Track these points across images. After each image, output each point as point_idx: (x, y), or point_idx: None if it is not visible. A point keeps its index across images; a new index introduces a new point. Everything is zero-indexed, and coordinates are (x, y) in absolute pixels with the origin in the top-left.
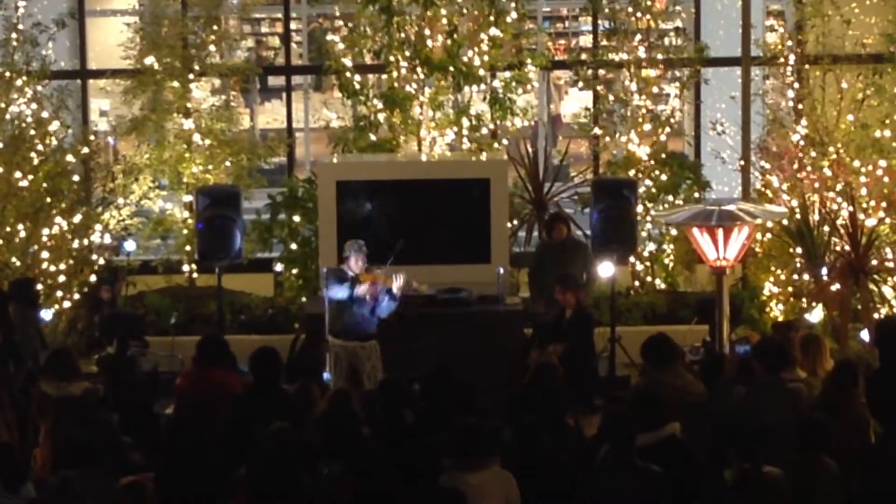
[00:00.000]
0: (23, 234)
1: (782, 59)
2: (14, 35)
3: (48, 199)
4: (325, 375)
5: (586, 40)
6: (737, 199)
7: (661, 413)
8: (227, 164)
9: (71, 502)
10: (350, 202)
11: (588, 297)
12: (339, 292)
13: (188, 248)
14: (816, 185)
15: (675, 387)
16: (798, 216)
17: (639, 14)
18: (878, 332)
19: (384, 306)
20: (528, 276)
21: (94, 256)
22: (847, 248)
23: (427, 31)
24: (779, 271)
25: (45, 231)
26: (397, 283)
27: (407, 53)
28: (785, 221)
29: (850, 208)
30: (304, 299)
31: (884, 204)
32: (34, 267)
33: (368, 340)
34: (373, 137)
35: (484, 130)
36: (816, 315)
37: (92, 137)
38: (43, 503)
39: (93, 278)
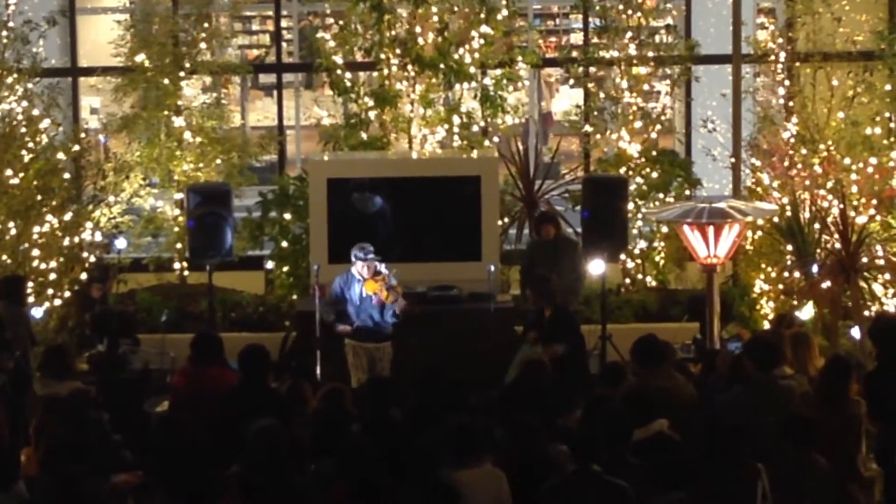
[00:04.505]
0: (13, 231)
1: (773, 57)
2: (5, 32)
3: (39, 197)
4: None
5: (577, 38)
6: (727, 197)
7: (649, 410)
8: (218, 161)
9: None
10: (341, 200)
11: (579, 296)
12: (326, 313)
13: (179, 245)
14: (807, 182)
15: (664, 389)
16: (789, 213)
17: (629, 11)
18: (874, 328)
19: (388, 317)
20: (519, 273)
21: (85, 254)
22: (838, 245)
23: (418, 29)
24: (769, 269)
25: (36, 229)
26: (399, 305)
27: (398, 51)
28: (776, 219)
29: (841, 205)
30: (294, 297)
31: (874, 201)
32: (25, 265)
33: (383, 342)
34: (364, 135)
35: (475, 128)
36: (807, 312)
37: (83, 135)
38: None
39: (83, 276)
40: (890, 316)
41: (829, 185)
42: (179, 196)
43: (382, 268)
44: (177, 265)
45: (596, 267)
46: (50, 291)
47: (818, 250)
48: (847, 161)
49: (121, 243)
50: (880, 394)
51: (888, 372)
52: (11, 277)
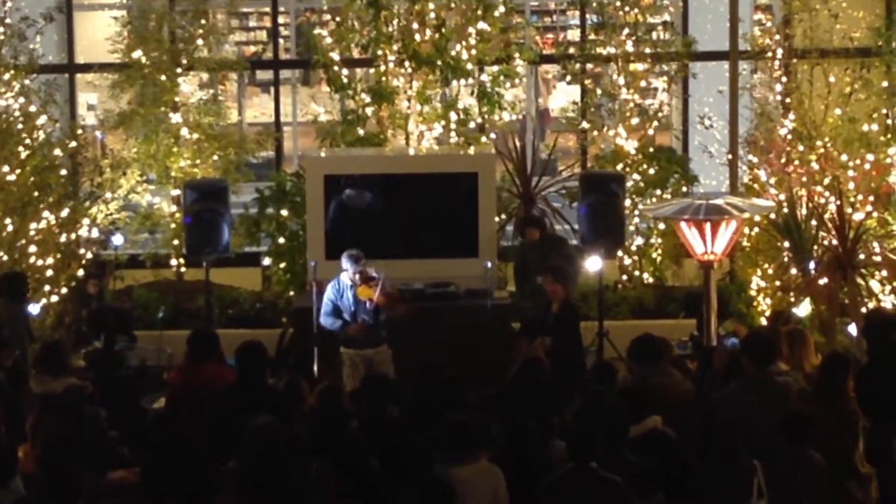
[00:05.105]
0: (10, 228)
1: (770, 54)
2: (1, 29)
3: (36, 193)
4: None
5: (574, 34)
6: (724, 193)
7: (642, 407)
8: (215, 158)
9: None
10: (338, 196)
11: (575, 287)
12: (331, 323)
13: (176, 242)
14: (804, 179)
15: (662, 386)
16: (786, 210)
17: (626, 8)
18: (866, 324)
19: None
20: (514, 275)
21: (82, 250)
22: (835, 242)
23: (415, 25)
24: (766, 265)
25: (33, 225)
26: (398, 311)
27: (394, 47)
28: (772, 215)
29: (838, 202)
30: (291, 293)
31: (871, 198)
32: (22, 261)
33: (380, 346)
34: (360, 131)
35: (472, 124)
36: (804, 309)
37: (80, 131)
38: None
39: (80, 272)
40: (882, 312)
41: (826, 181)
42: (176, 192)
43: (373, 272)
44: (174, 262)
45: (593, 263)
46: (47, 288)
47: (815, 247)
48: (844, 158)
49: (118, 240)
50: (871, 390)
51: (879, 368)
52: (12, 274)
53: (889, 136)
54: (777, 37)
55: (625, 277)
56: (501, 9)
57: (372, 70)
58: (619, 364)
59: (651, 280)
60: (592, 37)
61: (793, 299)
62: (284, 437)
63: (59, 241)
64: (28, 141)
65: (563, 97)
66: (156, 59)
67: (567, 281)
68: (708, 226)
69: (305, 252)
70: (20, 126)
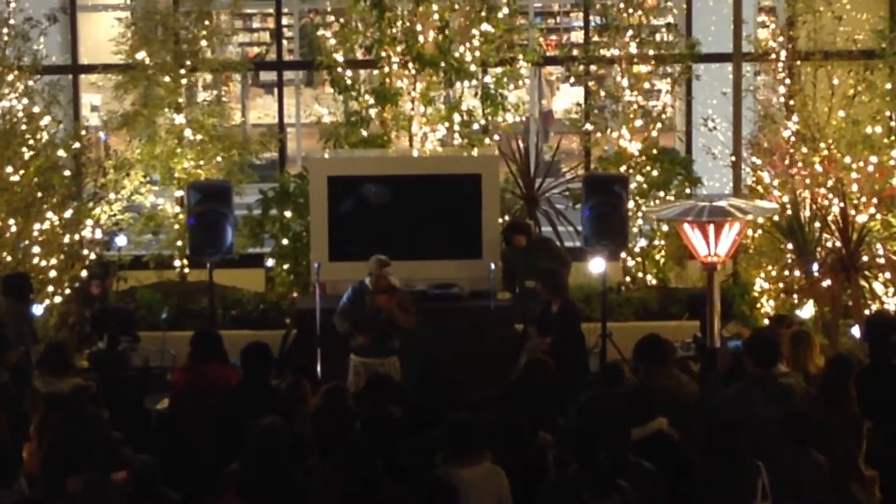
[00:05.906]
0: (14, 229)
1: (774, 56)
2: (5, 30)
3: (39, 194)
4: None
5: (578, 36)
6: (728, 195)
7: (648, 408)
8: (219, 159)
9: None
10: (341, 197)
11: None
12: (341, 324)
13: (179, 243)
14: (807, 181)
15: (667, 388)
16: (789, 212)
17: (630, 10)
18: (867, 326)
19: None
20: (502, 281)
21: (85, 251)
22: (838, 244)
23: (418, 27)
24: (770, 267)
25: (36, 226)
26: (405, 318)
27: (398, 49)
28: (776, 217)
29: (841, 204)
30: (295, 294)
31: (875, 200)
32: (25, 262)
33: (389, 357)
34: (364, 133)
35: (475, 126)
36: (807, 311)
37: (83, 132)
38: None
39: (83, 273)
40: (883, 313)
41: (830, 183)
42: (180, 193)
43: (395, 280)
44: (177, 262)
45: (596, 265)
46: (50, 289)
47: (818, 249)
48: (847, 160)
49: (121, 241)
50: (871, 391)
51: (879, 369)
52: (17, 275)
53: (892, 138)
54: (781, 39)
55: (628, 279)
56: (505, 10)
57: (375, 71)
58: (621, 366)
59: (654, 282)
60: (596, 38)
61: (796, 301)
62: (288, 437)
63: (63, 242)
64: (31, 142)
65: (566, 99)
66: (159, 61)
67: (558, 284)
68: (711, 228)
69: (309, 253)
70: (24, 127)
